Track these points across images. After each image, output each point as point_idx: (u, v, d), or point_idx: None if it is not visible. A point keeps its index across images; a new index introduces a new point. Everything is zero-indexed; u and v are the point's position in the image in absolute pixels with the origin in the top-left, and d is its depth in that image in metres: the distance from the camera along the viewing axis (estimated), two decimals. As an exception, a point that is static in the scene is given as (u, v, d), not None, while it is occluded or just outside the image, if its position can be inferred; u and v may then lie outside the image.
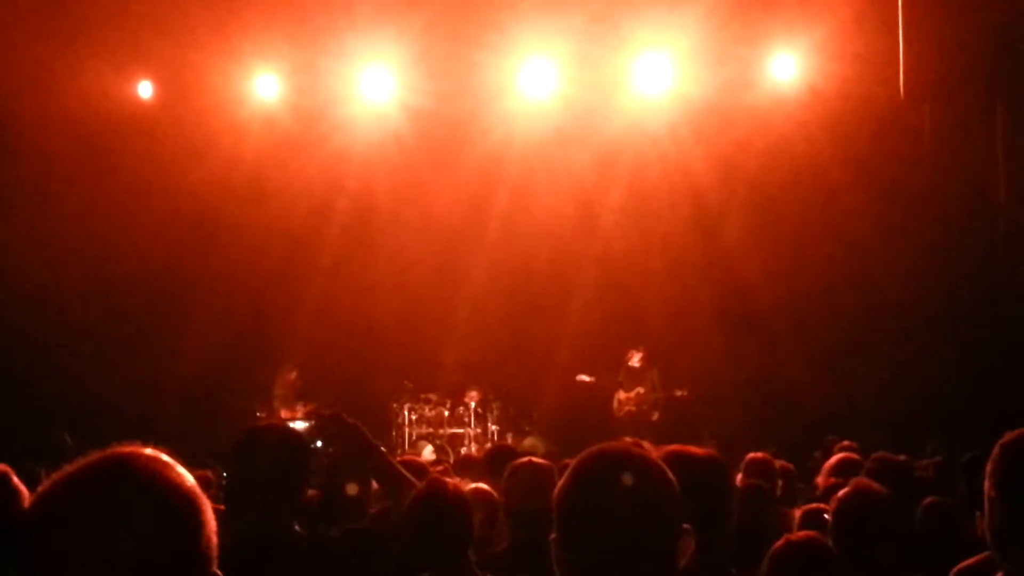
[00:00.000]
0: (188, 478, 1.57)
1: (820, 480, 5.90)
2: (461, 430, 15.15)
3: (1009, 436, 2.66)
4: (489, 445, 12.84)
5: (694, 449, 3.14)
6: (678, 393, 14.60)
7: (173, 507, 1.52)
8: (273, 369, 14.93)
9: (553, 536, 2.00)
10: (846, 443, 8.18)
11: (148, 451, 1.57)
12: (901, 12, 13.87)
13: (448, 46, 14.84)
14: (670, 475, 2.00)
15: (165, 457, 1.57)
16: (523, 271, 15.90)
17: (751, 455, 6.95)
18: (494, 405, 15.23)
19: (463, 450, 14.19)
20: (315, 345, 15.40)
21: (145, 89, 15.94)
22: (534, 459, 4.65)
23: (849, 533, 3.94)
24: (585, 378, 14.99)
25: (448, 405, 15.20)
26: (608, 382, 14.97)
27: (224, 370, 15.14)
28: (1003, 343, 13.86)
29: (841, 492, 4.12)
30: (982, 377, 13.52)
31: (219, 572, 1.57)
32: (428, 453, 13.48)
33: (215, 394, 14.73)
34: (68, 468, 1.53)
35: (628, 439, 4.96)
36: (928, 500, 5.65)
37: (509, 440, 14.27)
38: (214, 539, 1.56)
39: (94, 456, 1.54)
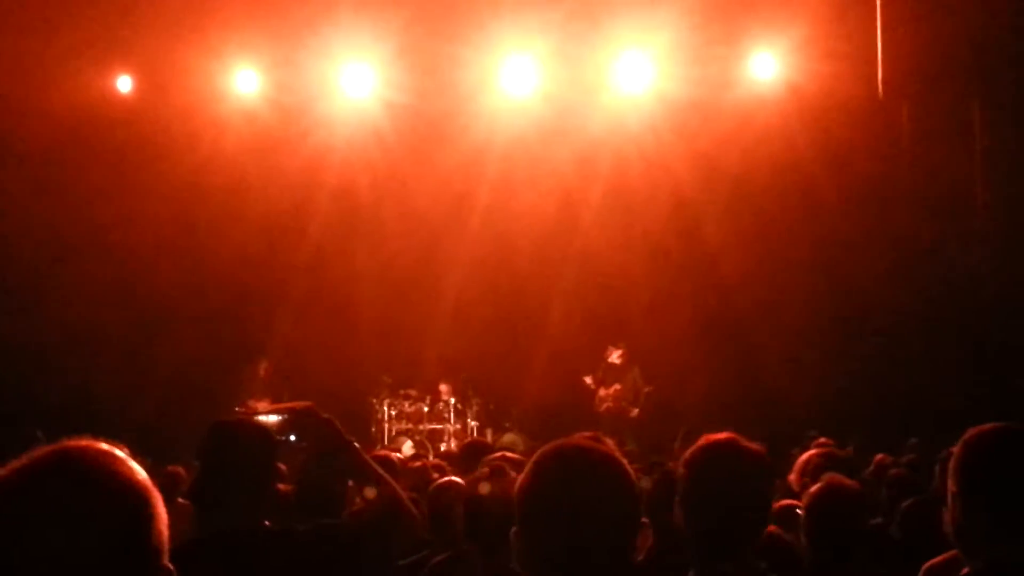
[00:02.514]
0: (138, 471, 1.56)
1: (792, 477, 5.93)
2: (440, 426, 15.16)
3: (971, 433, 2.68)
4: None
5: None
6: (645, 389, 14.65)
7: (121, 500, 1.51)
8: (252, 363, 14.91)
9: (514, 530, 2.01)
10: (821, 440, 8.23)
11: (97, 445, 1.56)
12: (879, 11, 13.96)
13: (428, 43, 14.84)
14: (629, 470, 2.02)
15: (115, 451, 1.57)
16: (504, 268, 15.91)
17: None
18: (473, 401, 15.25)
19: (442, 446, 14.18)
20: (295, 340, 15.38)
21: (124, 83, 15.88)
22: (507, 454, 4.67)
23: (820, 529, 3.96)
24: (589, 380, 14.95)
25: (427, 401, 15.21)
26: (590, 379, 14.98)
27: (204, 366, 15.10)
28: (981, 341, 13.94)
29: (812, 488, 4.13)
30: (961, 375, 13.61)
31: (170, 565, 1.56)
32: (407, 449, 13.47)
33: (194, 390, 14.68)
34: (15, 463, 1.52)
35: (586, 434, 4.98)
36: (910, 501, 5.68)
37: (489, 436, 14.28)
38: (165, 532, 1.56)
39: (41, 450, 1.53)
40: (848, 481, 4.29)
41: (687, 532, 2.92)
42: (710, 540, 2.87)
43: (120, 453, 1.57)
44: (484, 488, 4.07)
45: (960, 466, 2.65)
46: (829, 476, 4.31)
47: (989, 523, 2.57)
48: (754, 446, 3.01)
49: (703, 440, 3.00)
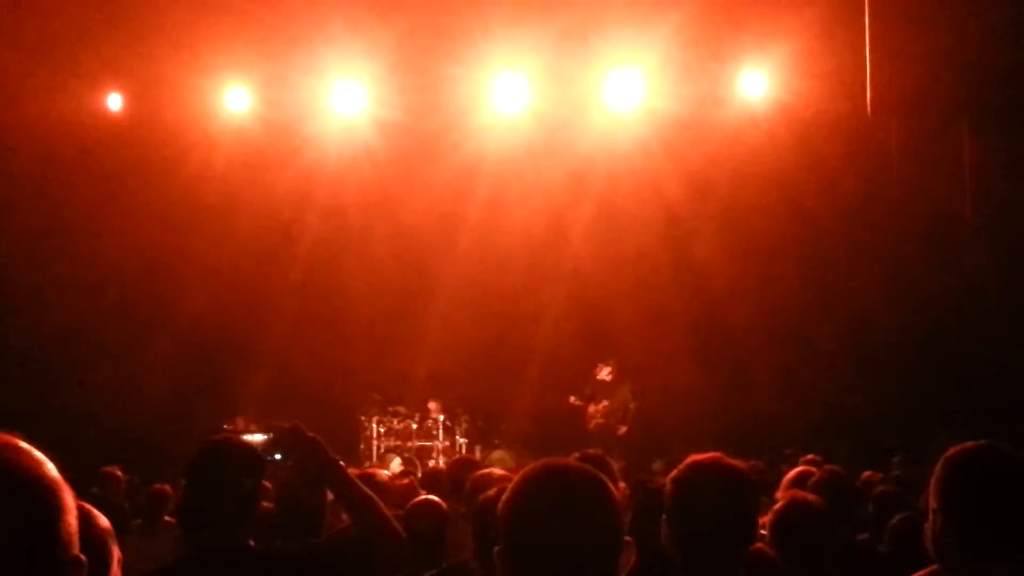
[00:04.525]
0: (46, 464, 1.56)
1: (779, 494, 5.95)
2: (429, 443, 15.16)
3: (952, 450, 2.72)
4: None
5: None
6: (630, 405, 14.69)
7: (27, 494, 1.51)
8: (242, 381, 14.90)
9: (498, 549, 2.02)
10: (809, 456, 8.25)
11: (2, 437, 1.55)
12: (868, 30, 14.03)
13: (419, 60, 14.88)
14: (612, 489, 2.03)
15: (20, 443, 1.56)
16: (494, 285, 15.92)
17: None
18: (463, 418, 15.26)
19: (431, 463, 14.18)
20: (285, 357, 15.38)
21: (115, 101, 15.89)
22: (494, 471, 4.68)
23: (785, 544, 4.02)
24: (574, 400, 14.98)
25: (416, 418, 15.21)
26: (581, 397, 15.00)
27: (194, 383, 15.09)
28: (969, 357, 13.98)
29: (777, 504, 4.19)
30: (948, 391, 13.64)
31: (82, 556, 1.56)
32: (396, 466, 13.47)
33: (184, 406, 14.67)
34: None
35: (591, 452, 5.00)
36: (898, 517, 5.72)
37: (477, 453, 14.28)
38: (75, 524, 1.56)
39: None
40: (810, 496, 4.35)
41: (673, 548, 2.95)
42: (697, 556, 2.90)
43: (24, 445, 1.56)
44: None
45: (940, 483, 2.69)
46: (792, 492, 4.36)
47: (968, 539, 2.61)
48: (739, 463, 3.05)
49: (690, 459, 3.04)
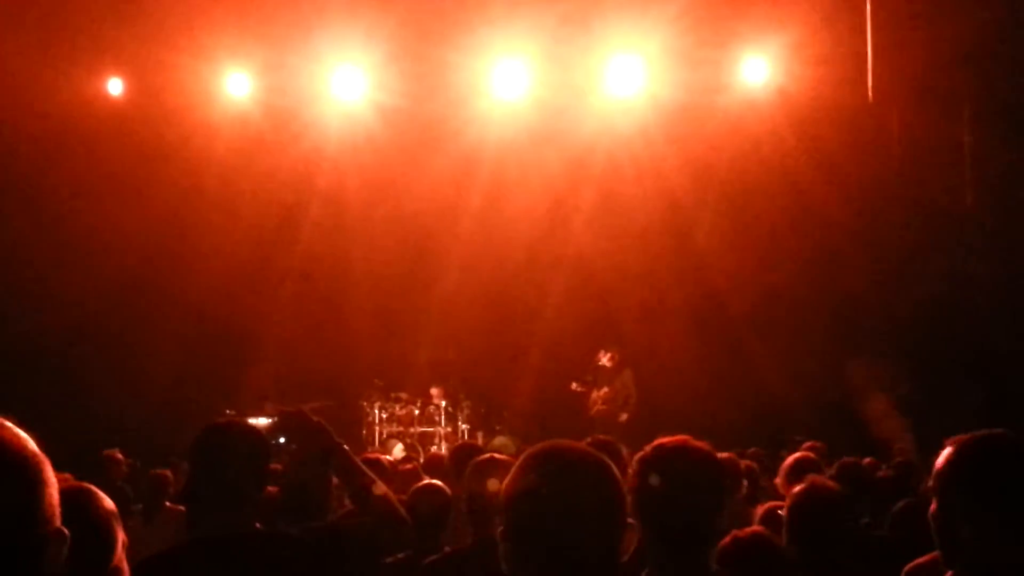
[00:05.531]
0: (25, 438, 1.57)
1: (779, 480, 5.97)
2: (431, 429, 15.19)
3: (958, 437, 2.72)
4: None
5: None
6: (625, 393, 14.70)
7: (5, 465, 1.51)
8: (245, 368, 14.92)
9: (501, 530, 2.02)
10: (810, 443, 8.26)
11: None
12: (869, 16, 14.01)
13: (419, 46, 14.85)
14: (615, 471, 2.04)
15: (0, 419, 1.57)
16: (495, 271, 15.93)
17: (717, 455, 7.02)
18: (464, 404, 15.28)
19: (433, 449, 14.21)
20: (287, 344, 15.40)
21: (115, 86, 15.87)
22: (495, 455, 4.69)
23: (802, 530, 4.00)
24: (575, 386, 15.00)
25: (418, 404, 15.23)
26: (582, 384, 15.02)
27: (196, 368, 15.11)
28: (970, 345, 13.98)
29: (795, 489, 4.17)
30: (950, 380, 13.64)
31: (64, 529, 1.57)
32: (398, 451, 13.50)
33: (186, 392, 14.68)
34: None
35: (601, 437, 5.01)
36: (900, 503, 5.74)
37: (480, 439, 14.31)
38: (56, 497, 1.57)
39: None
40: (829, 482, 4.33)
41: (640, 527, 2.94)
42: (661, 539, 2.89)
43: (6, 421, 1.57)
44: (493, 485, 4.10)
45: (942, 469, 2.69)
46: (811, 478, 4.35)
47: (970, 525, 2.61)
48: (705, 446, 3.02)
49: (656, 441, 3.02)
